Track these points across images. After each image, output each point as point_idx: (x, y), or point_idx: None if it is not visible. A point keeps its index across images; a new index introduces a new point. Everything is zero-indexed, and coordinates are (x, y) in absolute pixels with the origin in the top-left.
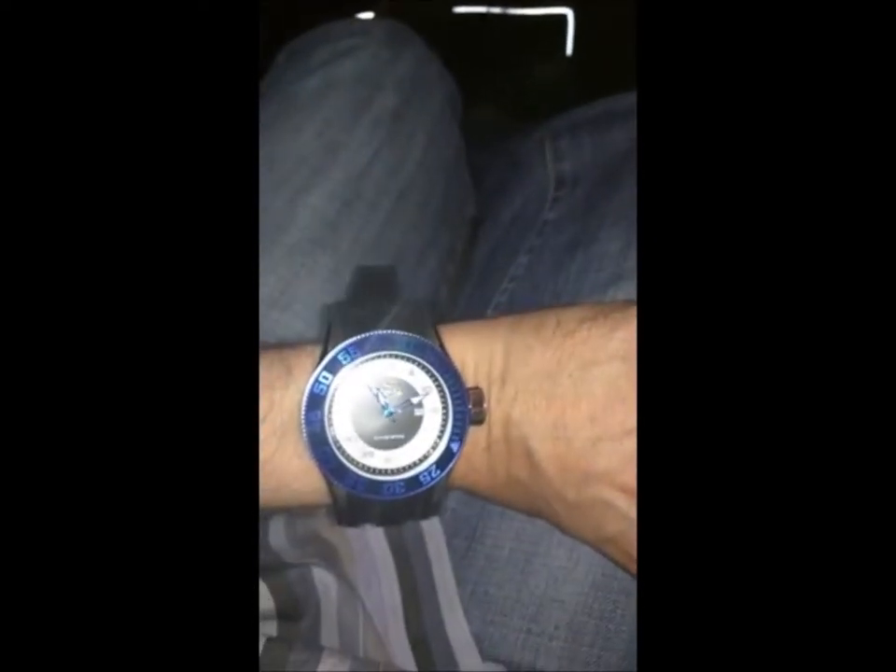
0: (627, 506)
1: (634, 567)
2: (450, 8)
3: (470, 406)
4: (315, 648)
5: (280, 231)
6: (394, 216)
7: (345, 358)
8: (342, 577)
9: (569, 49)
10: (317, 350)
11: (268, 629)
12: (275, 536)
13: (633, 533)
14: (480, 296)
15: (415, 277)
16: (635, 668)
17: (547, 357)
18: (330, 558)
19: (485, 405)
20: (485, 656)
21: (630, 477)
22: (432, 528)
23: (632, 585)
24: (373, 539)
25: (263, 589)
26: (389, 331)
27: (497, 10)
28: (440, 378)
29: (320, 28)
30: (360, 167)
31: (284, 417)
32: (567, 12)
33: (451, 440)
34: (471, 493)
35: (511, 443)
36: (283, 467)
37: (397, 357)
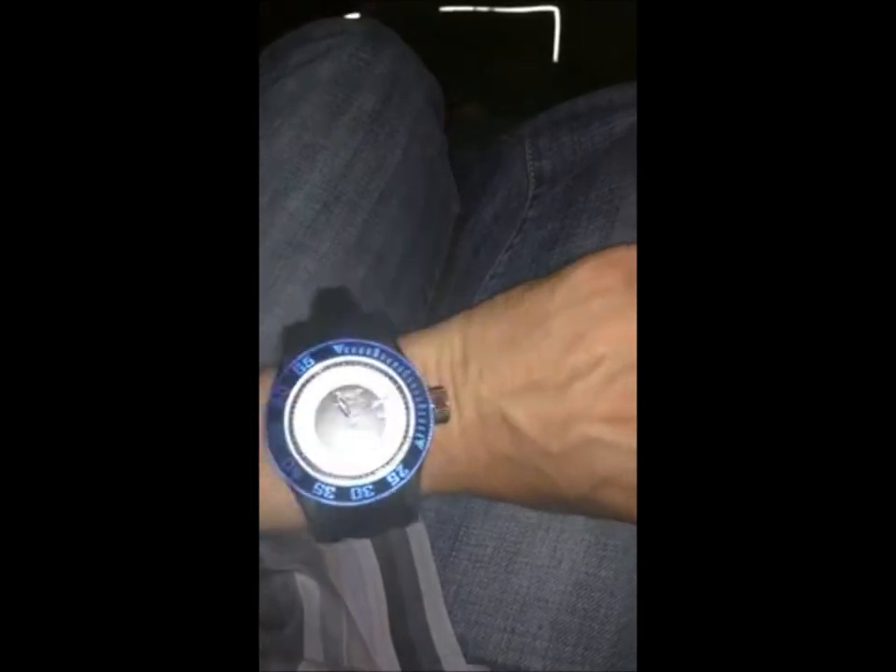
0: (612, 435)
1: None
2: (436, 7)
3: (433, 405)
4: (296, 658)
5: (259, 235)
6: (375, 217)
7: (301, 370)
8: (325, 583)
9: (556, 47)
10: (276, 370)
11: None
12: (260, 542)
13: (627, 463)
14: (462, 294)
15: (399, 277)
16: (619, 668)
17: (501, 329)
18: (315, 564)
19: (448, 403)
20: (470, 657)
21: (608, 405)
22: (417, 532)
23: (615, 584)
24: (358, 543)
25: None
26: (344, 340)
27: (483, 9)
28: (398, 379)
29: (298, 30)
30: (339, 169)
31: None
32: (554, 10)
33: (416, 438)
34: (455, 489)
35: (486, 419)
36: None
37: (354, 363)
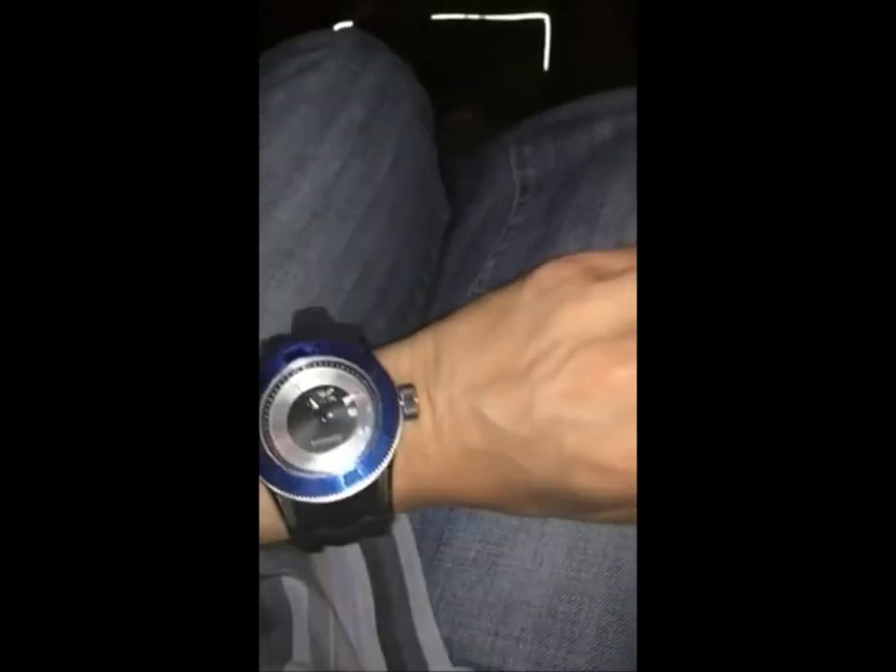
0: (572, 411)
1: (610, 483)
2: (428, 14)
3: (402, 402)
4: (284, 661)
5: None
6: (364, 226)
7: (272, 372)
8: (313, 586)
9: (547, 54)
10: None
11: None
12: None
13: (590, 439)
14: (451, 301)
15: (388, 285)
16: (600, 670)
17: (471, 328)
18: (303, 565)
19: (417, 400)
20: (455, 660)
21: (566, 383)
22: (404, 534)
23: (595, 587)
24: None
25: None
26: (315, 341)
27: (474, 16)
28: (367, 376)
29: (287, 41)
30: (329, 179)
31: None
32: (545, 17)
33: (384, 432)
34: (430, 492)
35: (458, 415)
36: None
37: (324, 364)
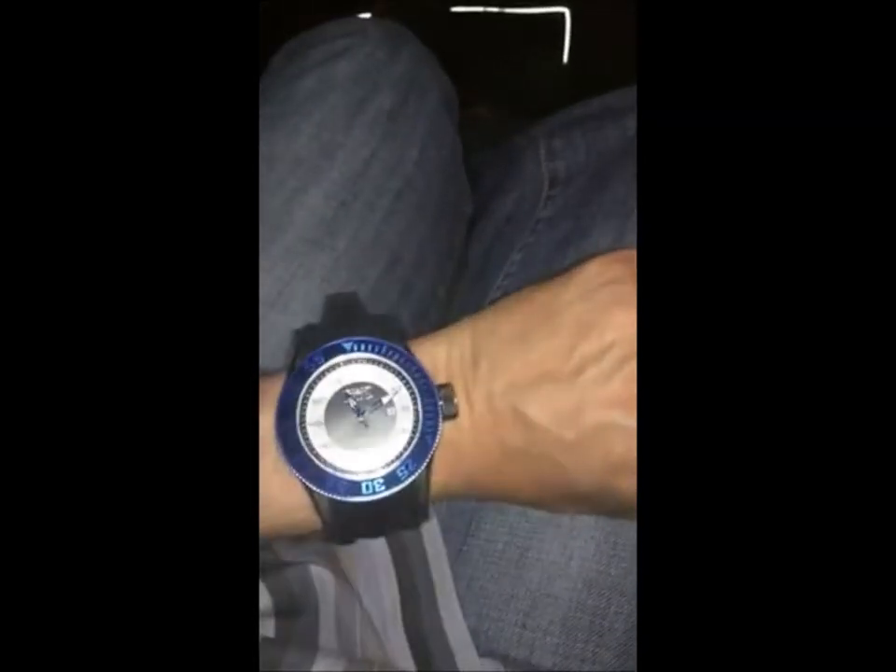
0: (625, 419)
1: None
2: (447, 7)
3: (441, 402)
4: (311, 648)
5: (277, 232)
6: (391, 216)
7: (311, 367)
8: (340, 575)
9: (567, 48)
10: (287, 370)
11: (266, 628)
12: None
13: None
14: (475, 294)
15: (413, 277)
16: (629, 666)
17: (512, 325)
18: (329, 556)
19: (456, 399)
20: (482, 651)
21: (620, 390)
22: (429, 525)
23: (624, 582)
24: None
25: (262, 588)
26: (353, 338)
27: (494, 9)
28: (406, 376)
29: (316, 29)
30: (357, 167)
31: (260, 437)
32: (565, 11)
33: (424, 433)
34: (466, 489)
35: (498, 415)
36: (265, 483)
37: (363, 361)
